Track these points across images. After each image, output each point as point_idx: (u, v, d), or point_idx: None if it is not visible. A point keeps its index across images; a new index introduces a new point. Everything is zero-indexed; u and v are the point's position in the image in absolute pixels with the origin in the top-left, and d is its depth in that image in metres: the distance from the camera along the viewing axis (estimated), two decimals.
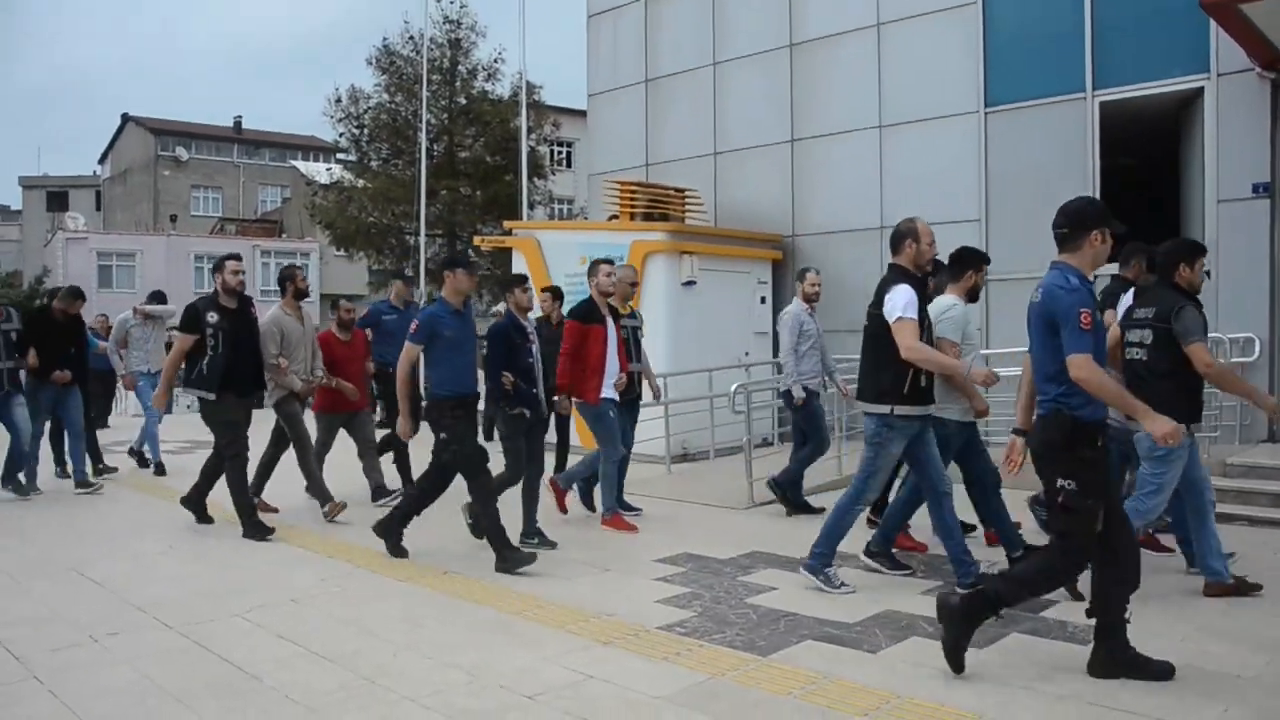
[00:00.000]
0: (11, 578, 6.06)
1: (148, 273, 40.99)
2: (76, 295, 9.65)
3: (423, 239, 26.43)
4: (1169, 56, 10.30)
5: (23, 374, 8.98)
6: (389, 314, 9.89)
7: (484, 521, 6.39)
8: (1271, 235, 9.56)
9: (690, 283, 11.57)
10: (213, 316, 7.30)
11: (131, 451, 11.31)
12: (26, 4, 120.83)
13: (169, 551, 6.83)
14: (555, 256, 12.65)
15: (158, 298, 11.30)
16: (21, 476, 8.92)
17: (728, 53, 13.96)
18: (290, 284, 8.06)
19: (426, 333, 6.38)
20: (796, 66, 13.19)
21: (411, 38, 31.09)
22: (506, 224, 15.49)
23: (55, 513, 8.32)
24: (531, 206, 29.69)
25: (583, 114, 16.97)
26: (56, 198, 54.85)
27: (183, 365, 7.57)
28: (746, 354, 12.21)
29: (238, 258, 7.65)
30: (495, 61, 32.21)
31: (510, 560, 6.15)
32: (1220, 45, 9.64)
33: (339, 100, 31.71)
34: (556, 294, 9.73)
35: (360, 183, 32.33)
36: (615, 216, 12.73)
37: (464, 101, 31.92)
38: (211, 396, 7.29)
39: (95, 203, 56.41)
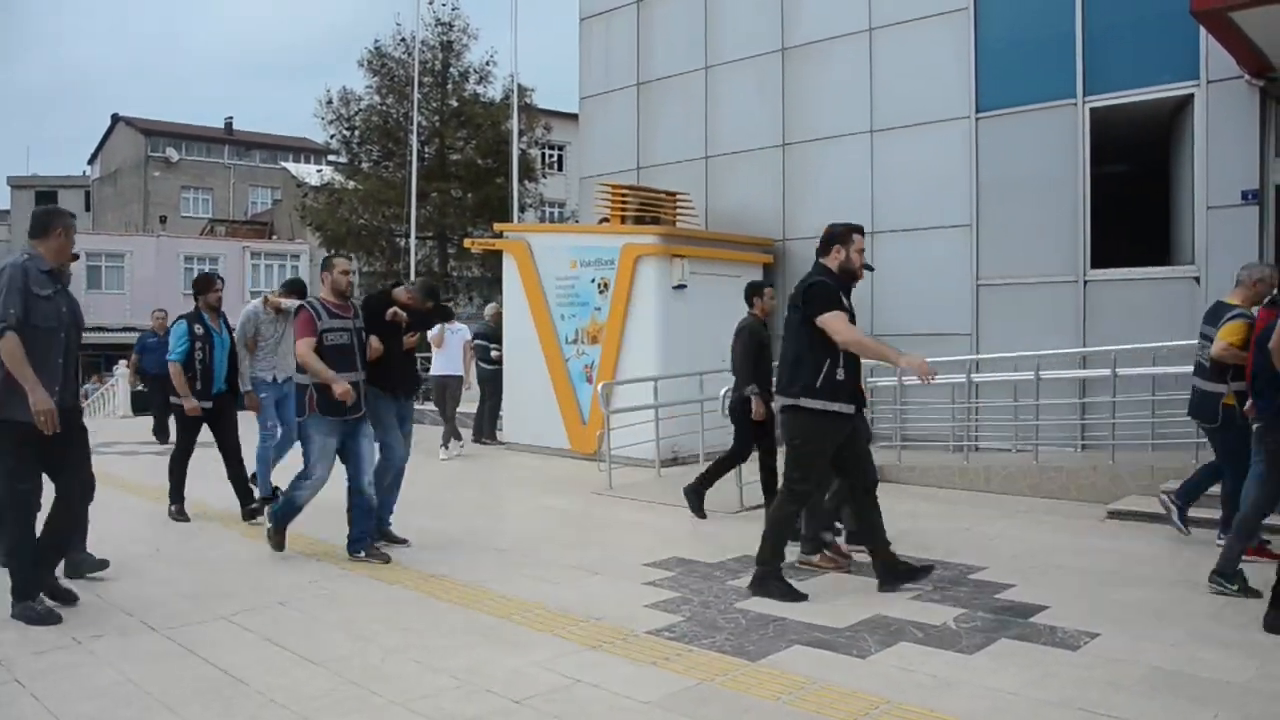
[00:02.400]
0: None
1: (137, 274, 40.89)
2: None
3: (413, 241, 26.42)
4: (1160, 63, 10.31)
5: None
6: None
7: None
8: (1260, 242, 9.57)
9: (681, 286, 11.56)
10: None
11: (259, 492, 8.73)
12: (24, 3, 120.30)
13: (155, 554, 6.79)
14: (546, 259, 12.64)
15: (295, 288, 8.93)
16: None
17: (720, 56, 13.95)
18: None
19: None
20: (788, 71, 13.19)
21: (403, 40, 31.14)
22: (497, 226, 15.47)
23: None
24: (522, 209, 29.65)
25: (574, 117, 16.96)
26: (45, 198, 54.41)
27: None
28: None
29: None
30: (487, 64, 32.30)
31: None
32: (1210, 52, 9.65)
33: (330, 102, 31.73)
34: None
35: (351, 185, 32.33)
36: (606, 219, 12.71)
37: (455, 104, 31.96)
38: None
39: (84, 203, 56.13)
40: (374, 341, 6.86)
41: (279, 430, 8.53)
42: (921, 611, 5.36)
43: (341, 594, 5.77)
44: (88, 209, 55.53)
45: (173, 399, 7.99)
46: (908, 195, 11.84)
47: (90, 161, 57.41)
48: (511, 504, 8.59)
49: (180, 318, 8.07)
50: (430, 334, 11.75)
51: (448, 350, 12.52)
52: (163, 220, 47.96)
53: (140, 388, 17.91)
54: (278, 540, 6.63)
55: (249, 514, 7.91)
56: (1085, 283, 10.56)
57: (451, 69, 31.98)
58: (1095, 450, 9.75)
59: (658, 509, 8.63)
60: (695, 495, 8.17)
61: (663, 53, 14.65)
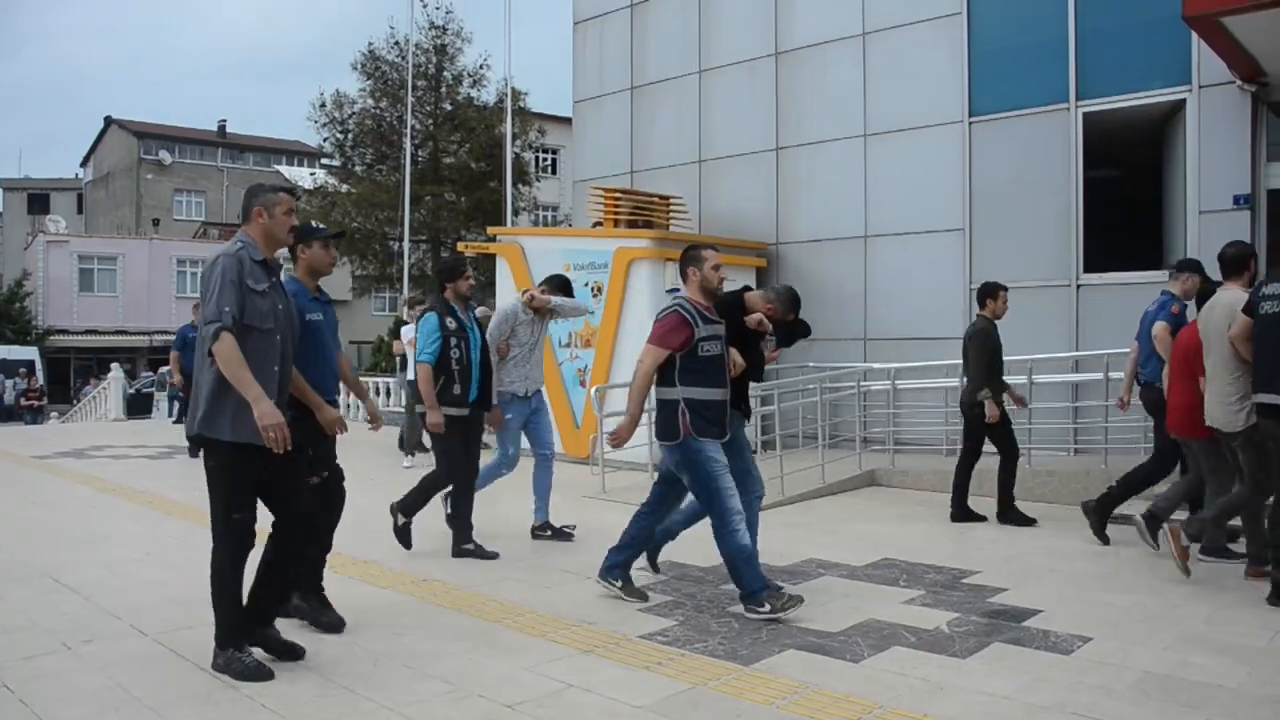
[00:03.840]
0: None
1: (129, 277, 40.83)
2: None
3: (406, 245, 26.43)
4: (1151, 68, 10.36)
5: None
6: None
7: None
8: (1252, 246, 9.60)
9: (674, 290, 11.53)
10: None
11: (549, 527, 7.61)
12: (18, 3, 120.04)
13: (145, 558, 6.75)
14: (539, 263, 12.62)
15: (561, 286, 7.63)
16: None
17: (713, 61, 13.98)
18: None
19: None
20: (782, 75, 13.21)
21: (397, 43, 31.12)
22: (490, 230, 15.48)
23: (30, 518, 8.23)
24: (516, 213, 29.68)
25: (568, 121, 16.98)
26: (38, 200, 54.51)
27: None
28: None
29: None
30: (481, 68, 32.30)
31: None
32: (1202, 58, 9.69)
33: (323, 105, 31.70)
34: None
35: (344, 188, 32.29)
36: (599, 223, 12.71)
37: (449, 107, 31.95)
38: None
39: (77, 206, 56.09)
40: (736, 355, 5.78)
41: (517, 456, 7.39)
42: (914, 616, 5.36)
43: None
44: (80, 212, 55.53)
45: (418, 408, 7.07)
46: (901, 199, 11.87)
47: (83, 164, 57.31)
48: (504, 508, 8.54)
49: (427, 310, 6.82)
50: (409, 337, 11.64)
51: None
52: (155, 223, 47.90)
53: (180, 393, 15.53)
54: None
55: (459, 551, 6.75)
56: (1078, 287, 10.58)
57: (445, 72, 31.97)
58: (1088, 454, 9.77)
59: None
60: (1013, 514, 8.11)
61: (656, 57, 14.67)
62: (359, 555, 6.67)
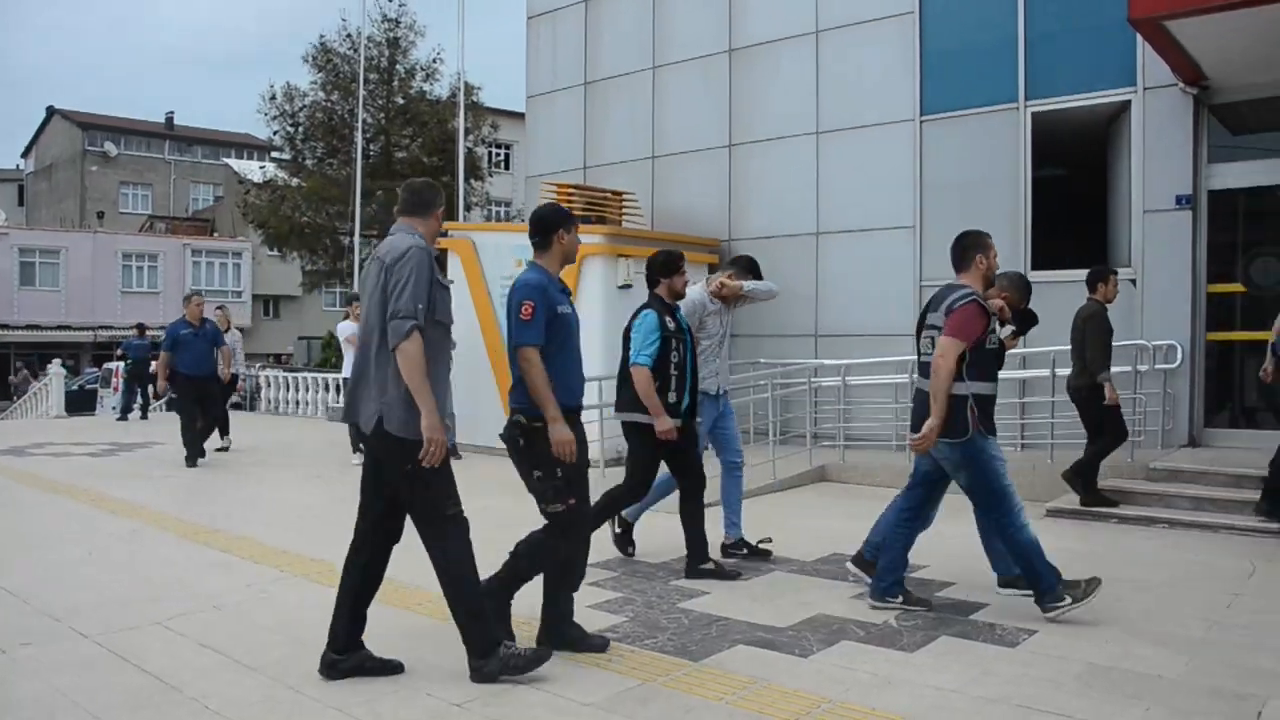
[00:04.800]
0: None
1: (73, 271, 40.04)
2: None
3: (357, 239, 26.18)
4: (1098, 70, 10.49)
5: None
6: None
7: None
8: (1193, 246, 9.78)
9: (627, 286, 11.54)
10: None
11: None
12: None
13: (88, 558, 6.62)
14: (491, 259, 12.56)
15: (750, 267, 7.01)
16: None
17: (667, 57, 13.98)
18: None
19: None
20: (735, 72, 13.24)
21: (349, 35, 30.84)
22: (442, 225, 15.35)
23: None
24: (469, 208, 29.52)
25: (521, 116, 16.89)
26: None
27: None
28: None
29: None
30: (434, 62, 32.13)
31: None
32: (1147, 60, 9.83)
33: (273, 98, 31.34)
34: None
35: (294, 182, 31.94)
36: None
37: (401, 101, 31.75)
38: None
39: (18, 197, 54.93)
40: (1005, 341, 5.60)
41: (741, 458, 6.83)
42: (863, 610, 5.39)
43: (280, 598, 5.68)
44: (20, 204, 54.35)
45: (638, 417, 6.02)
46: (853, 196, 11.94)
47: (24, 154, 56.14)
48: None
49: (644, 307, 6.13)
50: (347, 333, 11.53)
51: None
52: (100, 216, 47.04)
53: (170, 394, 13.68)
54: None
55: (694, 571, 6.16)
56: None
57: (398, 66, 31.75)
58: (1035, 449, 9.90)
59: None
60: (1087, 489, 8.15)
61: (610, 52, 14.65)
62: (312, 555, 6.60)
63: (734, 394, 10.29)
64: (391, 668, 4.37)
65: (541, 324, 4.52)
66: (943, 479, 5.50)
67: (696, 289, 6.58)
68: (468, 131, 27.97)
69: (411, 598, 5.59)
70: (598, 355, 11.18)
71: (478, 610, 4.32)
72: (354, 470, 10.92)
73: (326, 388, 18.81)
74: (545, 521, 4.66)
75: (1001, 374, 9.88)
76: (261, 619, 5.23)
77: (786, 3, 12.77)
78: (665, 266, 6.18)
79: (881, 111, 11.85)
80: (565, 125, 15.16)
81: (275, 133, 32.24)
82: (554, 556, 4.67)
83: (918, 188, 11.50)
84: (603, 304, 11.43)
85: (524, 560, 4.70)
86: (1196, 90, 9.74)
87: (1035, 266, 10.67)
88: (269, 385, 20.68)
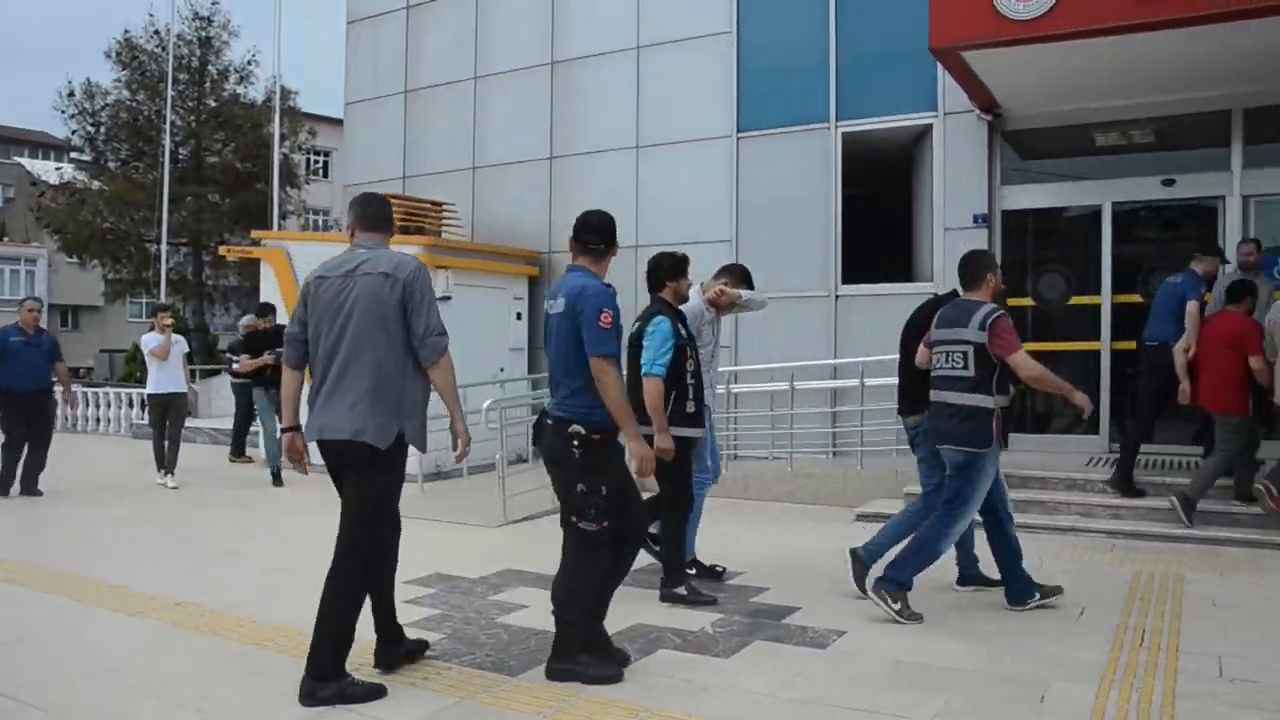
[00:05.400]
0: None
1: None
2: None
3: (164, 247, 24.98)
4: (903, 94, 10.99)
5: None
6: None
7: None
8: None
9: (445, 298, 11.38)
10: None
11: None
12: None
13: None
14: (306, 269, 12.05)
15: (744, 276, 6.70)
16: None
17: (490, 68, 13.89)
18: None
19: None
20: (557, 84, 13.28)
21: (156, 32, 29.43)
22: (254, 234, 14.83)
23: None
24: (284, 216, 28.61)
25: (341, 122, 16.48)
26: None
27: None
28: (502, 370, 12.15)
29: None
30: (248, 63, 30.97)
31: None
32: (947, 87, 10.36)
33: (71, 94, 29.58)
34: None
35: (95, 185, 30.20)
36: None
37: (214, 104, 30.48)
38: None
39: None
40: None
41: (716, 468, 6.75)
42: (680, 618, 5.48)
43: (83, 629, 5.34)
44: None
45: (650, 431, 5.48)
46: (672, 211, 12.12)
47: None
48: (271, 527, 8.19)
49: (655, 314, 5.79)
50: (151, 345, 10.96)
51: (171, 364, 11.04)
52: None
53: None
54: None
55: (670, 595, 5.91)
56: (837, 298, 11.13)
57: (210, 67, 30.47)
58: (845, 456, 10.27)
59: (421, 525, 8.38)
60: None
61: (431, 61, 14.45)
62: (116, 581, 6.25)
63: None
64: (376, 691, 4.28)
65: (618, 334, 4.49)
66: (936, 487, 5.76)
67: (694, 296, 6.33)
68: (284, 137, 27.12)
69: (224, 624, 5.36)
70: None
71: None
72: (170, 492, 10.45)
73: (130, 404, 17.85)
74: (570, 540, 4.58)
75: (814, 384, 10.37)
76: (65, 653, 4.91)
77: (608, 18, 12.89)
78: (673, 270, 5.97)
79: (700, 128, 12.09)
80: (385, 133, 14.86)
81: (74, 132, 30.43)
82: (589, 578, 4.55)
83: (734, 203, 11.79)
84: None
85: (560, 598, 4.58)
86: (991, 117, 10.35)
87: (846, 280, 11.10)
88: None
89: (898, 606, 5.34)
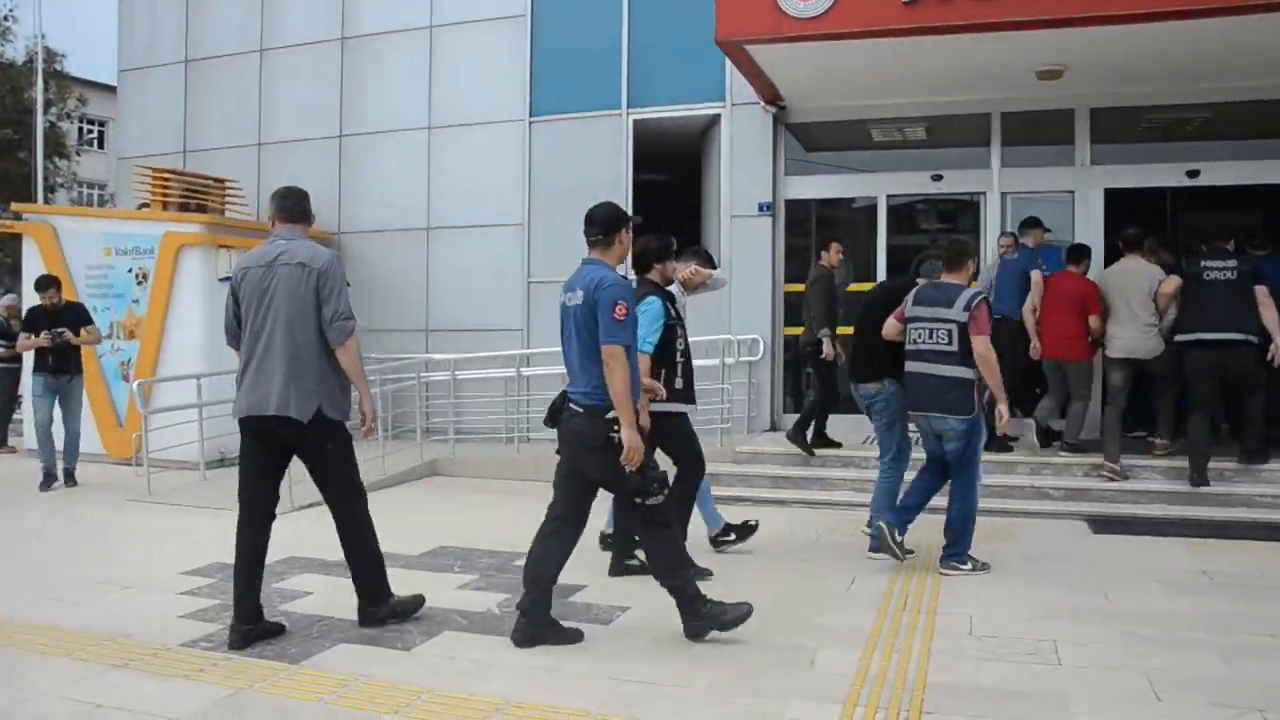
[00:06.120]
0: None
1: None
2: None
3: None
4: (693, 84, 11.28)
5: None
6: None
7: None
8: (773, 249, 10.81)
9: (228, 279, 10.96)
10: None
11: None
12: None
13: None
14: (75, 246, 11.49)
15: (708, 258, 7.00)
16: None
17: (277, 40, 13.37)
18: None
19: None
20: (348, 61, 12.93)
21: None
22: (16, 207, 13.84)
23: None
24: (52, 189, 26.74)
25: (115, 90, 15.50)
26: None
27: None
28: None
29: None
30: (5, 19, 28.59)
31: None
32: (734, 79, 10.71)
33: None
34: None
35: None
36: (146, 205, 11.79)
37: None
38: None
39: None
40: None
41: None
42: (466, 600, 5.53)
43: None
44: None
45: (670, 407, 5.92)
46: (464, 193, 12.06)
47: None
48: (30, 518, 7.72)
49: (646, 294, 5.87)
50: None
51: None
52: None
53: None
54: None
55: (621, 569, 6.19)
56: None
57: None
58: None
59: (202, 513, 8.15)
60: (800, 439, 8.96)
61: (214, 30, 13.79)
62: None
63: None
64: None
65: (632, 325, 4.74)
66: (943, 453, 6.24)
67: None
68: (49, 104, 25.28)
69: None
70: (198, 351, 10.60)
71: (379, 560, 5.06)
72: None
73: None
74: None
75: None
76: None
77: None
78: (659, 252, 6.10)
79: (493, 110, 12.05)
80: (163, 104, 14.07)
81: None
82: (671, 548, 4.88)
83: (526, 187, 11.83)
84: (203, 298, 10.84)
85: (662, 572, 4.84)
86: (775, 110, 10.77)
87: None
88: None
89: (969, 566, 6.09)
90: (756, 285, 10.79)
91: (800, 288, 10.66)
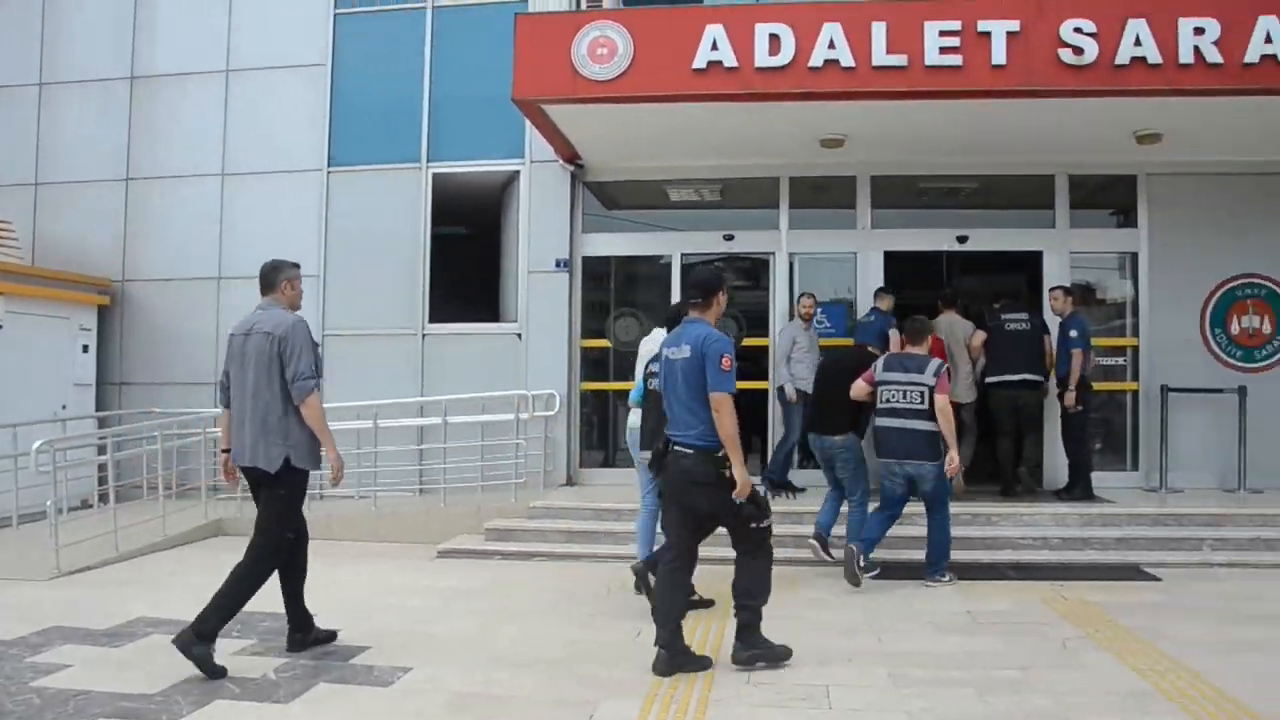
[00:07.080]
0: None
1: None
2: None
3: None
4: (493, 140, 11.36)
5: None
6: None
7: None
8: (569, 304, 10.95)
9: None
10: None
11: None
12: None
13: None
14: None
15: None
16: None
17: (59, 74, 12.66)
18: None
19: None
20: (138, 100, 12.39)
21: None
22: None
23: None
24: None
25: None
26: None
27: None
28: (64, 407, 11.15)
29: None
30: None
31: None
32: (533, 136, 10.83)
33: None
34: None
35: None
36: None
37: None
38: None
39: None
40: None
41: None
42: (242, 665, 5.35)
43: None
44: None
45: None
46: (258, 242, 11.57)
47: None
48: None
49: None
50: None
51: None
52: None
53: None
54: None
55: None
56: (424, 336, 11.28)
57: None
58: (430, 494, 10.40)
59: None
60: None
61: None
62: None
63: (123, 445, 9.76)
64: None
65: (734, 375, 5.24)
66: (906, 496, 7.40)
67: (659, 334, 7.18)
68: None
69: None
70: None
71: (233, 601, 5.37)
72: None
73: None
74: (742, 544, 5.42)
75: (400, 421, 10.46)
76: None
77: (197, 35, 12.25)
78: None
79: (290, 159, 11.81)
80: None
81: None
82: (767, 570, 5.44)
83: (323, 238, 11.61)
84: None
85: (749, 592, 5.38)
86: (574, 168, 10.99)
87: (433, 319, 11.30)
88: None
89: (948, 578, 7.39)
90: (553, 340, 10.89)
91: (599, 343, 10.88)
